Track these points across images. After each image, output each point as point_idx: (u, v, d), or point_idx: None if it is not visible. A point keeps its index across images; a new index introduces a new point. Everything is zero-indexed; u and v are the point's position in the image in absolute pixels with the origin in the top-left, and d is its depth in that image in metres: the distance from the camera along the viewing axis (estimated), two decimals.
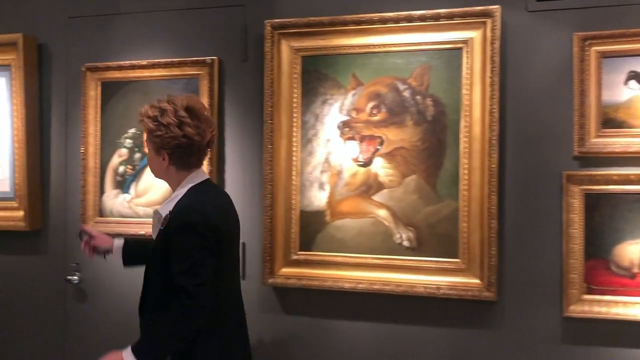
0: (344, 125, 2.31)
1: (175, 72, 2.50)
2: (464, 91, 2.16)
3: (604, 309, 2.04)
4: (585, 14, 2.09)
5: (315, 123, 2.34)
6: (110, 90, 2.59)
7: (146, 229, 2.50)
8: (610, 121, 2.05)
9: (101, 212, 2.60)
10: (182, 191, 1.81)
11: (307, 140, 2.34)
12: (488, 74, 2.12)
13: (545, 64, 2.13)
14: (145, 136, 1.87)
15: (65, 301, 2.68)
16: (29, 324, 2.73)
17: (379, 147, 2.27)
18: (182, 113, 1.76)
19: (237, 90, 2.46)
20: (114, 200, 2.58)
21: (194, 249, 1.69)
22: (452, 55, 2.19)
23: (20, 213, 2.68)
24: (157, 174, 1.88)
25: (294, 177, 2.35)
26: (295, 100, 2.34)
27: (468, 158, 2.16)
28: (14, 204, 2.71)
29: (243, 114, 2.45)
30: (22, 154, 2.66)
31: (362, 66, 2.28)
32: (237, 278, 1.94)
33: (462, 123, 2.17)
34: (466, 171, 2.16)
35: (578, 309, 2.06)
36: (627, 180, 2.02)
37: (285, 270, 2.35)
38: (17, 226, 2.68)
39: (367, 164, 2.28)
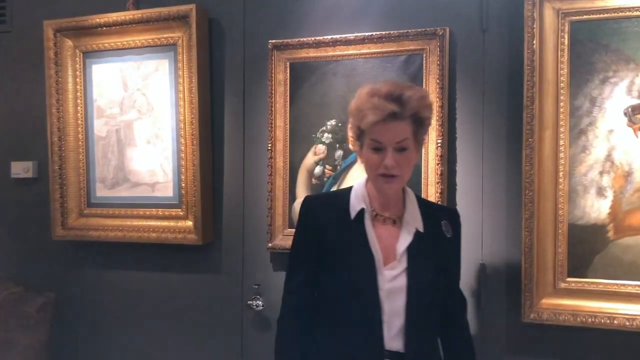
0: (635, 110, 1.81)
1: (391, 47, 2.07)
2: None
3: None
4: None
5: (590, 109, 1.85)
6: (302, 73, 2.18)
7: None
8: None
9: (292, 223, 2.19)
10: (410, 195, 1.62)
11: (578, 132, 1.86)
12: None
13: None
14: (406, 130, 1.45)
15: (243, 330, 2.30)
16: (204, 352, 2.37)
17: None
18: None
19: (473, 69, 2.00)
20: None
21: None
22: None
23: (188, 223, 2.32)
24: (408, 178, 1.55)
25: (561, 181, 1.87)
26: (562, 80, 1.87)
27: None
28: (180, 212, 2.35)
29: (480, 99, 1.99)
30: (189, 151, 2.30)
31: None
32: None
33: None
34: None
35: None
36: None
37: (549, 302, 1.87)
38: (185, 239, 2.32)
39: None
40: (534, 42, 1.86)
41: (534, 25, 1.86)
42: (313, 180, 2.18)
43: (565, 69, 1.86)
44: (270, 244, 2.21)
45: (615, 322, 1.80)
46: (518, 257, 1.90)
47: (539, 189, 1.87)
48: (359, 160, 2.10)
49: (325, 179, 2.16)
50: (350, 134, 1.61)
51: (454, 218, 1.63)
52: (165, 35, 2.35)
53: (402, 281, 1.48)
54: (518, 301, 1.90)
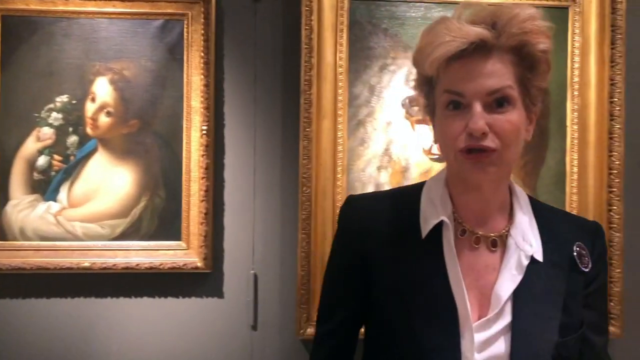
0: (412, 102, 1.72)
1: (144, 8, 1.65)
2: (572, 64, 1.72)
3: None
4: None
5: (369, 98, 1.71)
6: (19, 31, 1.64)
7: (90, 258, 1.63)
8: None
9: (2, 234, 1.64)
10: (522, 198, 1.01)
11: (357, 123, 1.70)
12: (608, 42, 1.71)
13: None
14: (507, 73, 0.89)
15: None
16: None
17: None
18: None
19: (244, 44, 1.71)
20: (28, 212, 1.64)
21: None
22: (557, 16, 1.74)
23: None
24: (512, 162, 0.95)
25: (339, 177, 1.69)
26: (340, 64, 1.69)
27: (578, 152, 1.73)
28: None
29: (253, 80, 1.72)
30: None
31: None
32: None
33: (570, 106, 1.73)
34: (575, 169, 1.73)
35: None
36: None
37: None
38: None
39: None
40: (312, 18, 1.65)
41: (311, 0, 1.65)
42: (35, 174, 1.64)
43: (345, 51, 1.68)
44: None
45: None
46: (293, 264, 1.68)
47: (316, 186, 1.66)
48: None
49: (52, 173, 1.65)
50: (419, 100, 1.00)
51: (594, 238, 1.02)
52: None
53: (502, 347, 0.90)
54: (294, 315, 1.67)
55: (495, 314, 0.91)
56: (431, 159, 1.72)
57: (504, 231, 0.96)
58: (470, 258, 0.95)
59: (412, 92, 1.70)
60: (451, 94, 0.89)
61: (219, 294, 1.69)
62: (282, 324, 1.70)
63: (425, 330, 0.91)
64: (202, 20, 1.65)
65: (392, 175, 1.71)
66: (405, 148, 1.71)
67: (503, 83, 0.87)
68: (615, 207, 1.70)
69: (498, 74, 0.87)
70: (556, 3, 1.73)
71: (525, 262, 0.93)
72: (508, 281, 0.92)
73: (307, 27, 1.64)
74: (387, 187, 1.70)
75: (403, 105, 1.71)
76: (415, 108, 1.71)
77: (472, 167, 0.88)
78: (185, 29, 1.67)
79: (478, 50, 0.87)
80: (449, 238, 0.94)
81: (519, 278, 0.92)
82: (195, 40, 1.66)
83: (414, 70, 1.74)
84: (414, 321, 0.92)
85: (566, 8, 1.73)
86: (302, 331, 1.65)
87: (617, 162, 1.70)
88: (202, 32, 1.65)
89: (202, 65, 1.65)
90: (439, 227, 0.95)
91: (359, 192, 1.69)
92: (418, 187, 1.03)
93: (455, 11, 0.91)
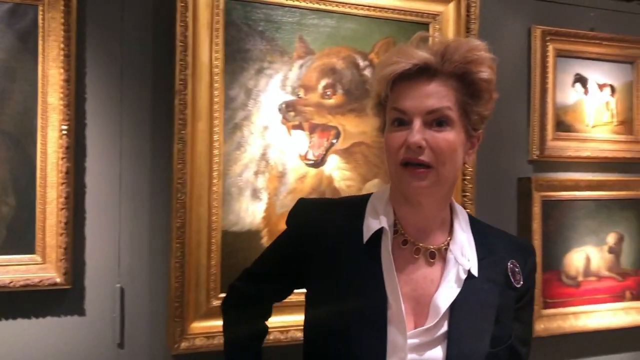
0: (289, 107, 1.71)
1: None
2: None
3: (561, 323, 2.03)
4: (541, 7, 2.05)
5: (246, 101, 1.66)
6: None
7: None
8: (561, 124, 2.07)
9: None
10: (462, 217, 1.09)
11: (233, 126, 1.65)
12: None
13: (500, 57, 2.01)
14: (446, 96, 0.96)
15: None
16: None
17: (334, 141, 1.76)
18: None
19: (110, 36, 1.56)
20: None
21: None
22: (419, 30, 1.85)
23: None
24: (449, 179, 1.00)
25: (215, 182, 1.62)
26: (216, 64, 1.62)
27: None
28: None
29: (119, 77, 1.58)
30: None
31: (312, 28, 1.73)
32: None
33: None
34: None
35: (540, 327, 1.99)
36: (577, 187, 2.06)
37: (201, 325, 1.59)
38: None
39: (319, 163, 1.74)
40: (187, 15, 1.56)
41: None
42: None
43: (220, 52, 1.62)
44: None
45: (271, 336, 1.66)
46: (165, 275, 1.58)
47: (191, 192, 1.58)
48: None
49: None
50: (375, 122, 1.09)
51: (526, 257, 1.09)
52: None
53: (439, 354, 0.94)
54: (165, 329, 1.57)
55: (436, 322, 0.96)
56: (307, 164, 1.73)
57: (442, 245, 1.03)
58: (410, 268, 1.01)
59: (288, 97, 1.71)
60: (396, 111, 0.97)
61: (80, 311, 1.53)
62: (153, 339, 1.59)
63: (357, 331, 0.95)
64: (62, 7, 1.48)
65: (269, 180, 1.69)
66: (282, 153, 1.70)
67: (442, 104, 0.95)
68: (468, 210, 1.85)
69: (439, 95, 0.95)
70: (418, 19, 1.85)
71: (463, 276, 1.00)
72: (447, 293, 0.98)
73: (182, 24, 1.55)
74: (264, 192, 1.68)
75: (280, 110, 1.70)
76: (292, 113, 1.72)
77: (409, 179, 0.95)
78: (40, 16, 1.48)
79: (424, 73, 0.96)
80: (387, 244, 0.99)
81: (457, 291, 0.99)
82: (53, 29, 1.48)
83: (291, 75, 1.76)
84: (347, 321, 0.96)
85: (427, 24, 1.86)
86: (176, 346, 1.56)
87: (470, 169, 1.86)
88: (62, 20, 1.48)
89: (61, 57, 1.47)
90: (380, 235, 1.00)
91: (235, 197, 1.65)
92: (365, 198, 1.09)
93: (412, 39, 1.00)
